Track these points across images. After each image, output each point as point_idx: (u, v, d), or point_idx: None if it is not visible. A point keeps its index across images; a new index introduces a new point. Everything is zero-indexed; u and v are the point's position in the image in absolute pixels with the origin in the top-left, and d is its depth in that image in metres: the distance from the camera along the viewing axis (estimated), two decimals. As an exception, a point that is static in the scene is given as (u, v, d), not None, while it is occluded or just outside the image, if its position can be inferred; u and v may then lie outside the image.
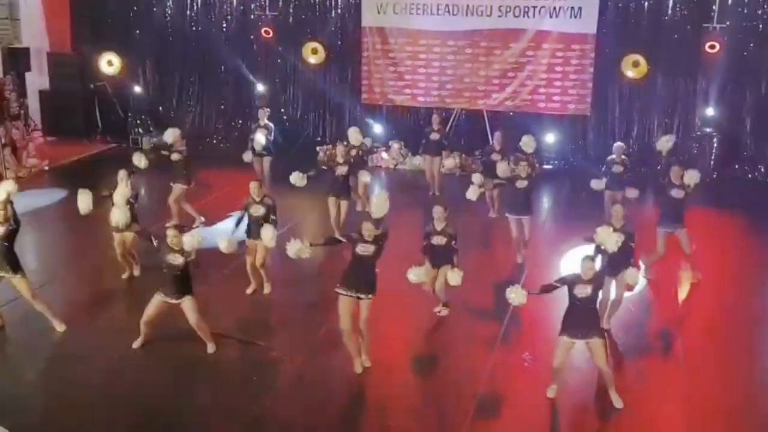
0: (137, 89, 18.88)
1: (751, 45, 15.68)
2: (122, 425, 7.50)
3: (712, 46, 15.37)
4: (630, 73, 15.93)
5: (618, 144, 12.86)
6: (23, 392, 8.03)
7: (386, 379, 8.41)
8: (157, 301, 8.51)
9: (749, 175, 15.94)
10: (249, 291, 10.32)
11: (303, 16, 17.83)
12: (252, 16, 18.06)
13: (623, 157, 12.38)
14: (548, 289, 7.83)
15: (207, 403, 7.93)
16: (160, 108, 19.01)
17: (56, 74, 18.40)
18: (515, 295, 7.71)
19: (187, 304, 8.47)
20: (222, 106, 18.73)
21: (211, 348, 8.70)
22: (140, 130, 18.25)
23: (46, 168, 16.09)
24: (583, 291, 7.54)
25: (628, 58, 15.83)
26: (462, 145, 17.08)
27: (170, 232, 8.44)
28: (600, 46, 16.16)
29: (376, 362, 8.49)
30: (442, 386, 8.37)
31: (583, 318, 7.62)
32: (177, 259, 8.35)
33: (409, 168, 16.79)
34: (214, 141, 18.33)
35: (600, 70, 16.28)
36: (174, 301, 8.47)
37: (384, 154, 17.13)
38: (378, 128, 17.60)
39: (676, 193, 10.36)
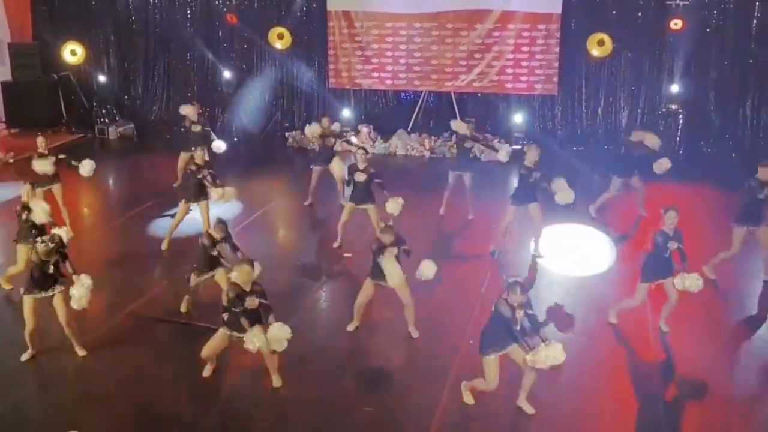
0: (102, 78, 18.66)
1: (714, 21, 15.84)
2: (97, 421, 7.49)
3: (676, 24, 15.53)
4: (595, 52, 16.02)
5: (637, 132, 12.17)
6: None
7: (356, 369, 8.49)
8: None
9: (714, 150, 16.15)
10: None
11: (268, 1, 17.71)
12: (217, 2, 17.89)
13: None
14: None
15: (178, 394, 7.93)
16: (126, 97, 18.84)
17: (18, 65, 18.10)
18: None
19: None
20: (188, 94, 18.55)
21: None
22: (106, 120, 18.09)
23: (11, 161, 15.82)
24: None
25: (594, 36, 15.91)
26: (431, 127, 17.15)
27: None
28: (565, 25, 16.24)
29: (346, 356, 8.51)
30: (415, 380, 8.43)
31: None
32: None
33: (378, 152, 16.79)
34: (182, 129, 18.14)
35: (566, 50, 16.37)
36: None
37: (353, 138, 17.07)
38: (347, 112, 17.57)
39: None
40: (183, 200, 11.23)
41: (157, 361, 8.50)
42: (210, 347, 7.81)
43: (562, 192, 10.29)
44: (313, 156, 13.56)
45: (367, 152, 11.48)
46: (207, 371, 8.00)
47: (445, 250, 11.42)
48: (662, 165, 11.76)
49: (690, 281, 8.22)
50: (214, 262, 8.98)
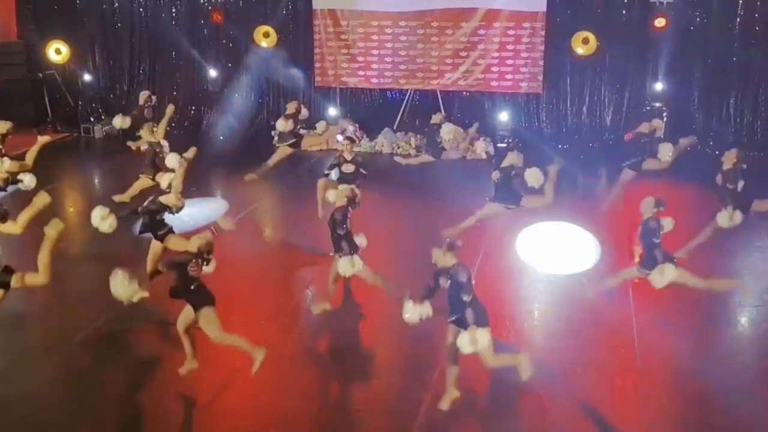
0: (87, 77, 18.62)
1: (698, 20, 15.96)
2: (86, 422, 7.50)
3: (660, 22, 15.66)
4: (580, 50, 16.12)
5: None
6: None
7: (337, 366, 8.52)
8: None
9: (698, 148, 16.23)
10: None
11: (254, -1, 17.74)
12: (202, 0, 17.87)
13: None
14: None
15: (165, 394, 7.94)
16: (111, 95, 18.79)
17: (2, 64, 18.04)
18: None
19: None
20: (174, 92, 18.53)
21: None
22: (91, 119, 18.04)
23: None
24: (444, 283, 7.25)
25: (578, 35, 16.03)
26: (417, 126, 17.19)
27: None
28: (550, 23, 16.32)
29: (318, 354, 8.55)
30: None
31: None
32: None
33: (364, 150, 16.82)
34: (168, 128, 18.10)
35: (551, 48, 16.45)
36: None
37: (339, 137, 17.08)
38: (332, 111, 17.59)
39: None
40: None
41: (144, 362, 8.51)
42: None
43: (533, 176, 10.26)
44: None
45: (353, 141, 11.55)
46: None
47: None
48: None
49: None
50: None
